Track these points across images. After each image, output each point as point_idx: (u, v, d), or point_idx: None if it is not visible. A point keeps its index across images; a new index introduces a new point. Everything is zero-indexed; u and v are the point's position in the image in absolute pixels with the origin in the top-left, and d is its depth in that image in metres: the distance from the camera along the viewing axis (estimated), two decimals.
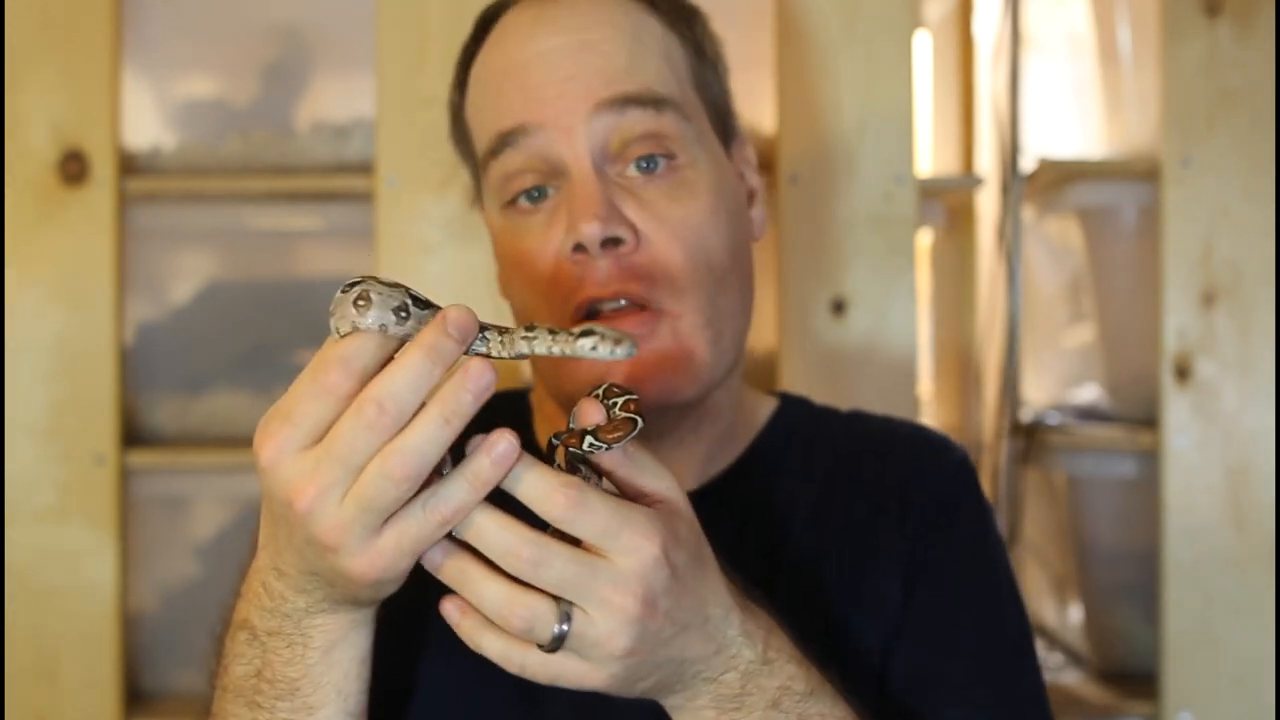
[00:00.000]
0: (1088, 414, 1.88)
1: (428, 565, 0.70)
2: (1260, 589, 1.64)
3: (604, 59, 0.93)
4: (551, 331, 0.70)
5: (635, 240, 0.90)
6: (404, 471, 0.66)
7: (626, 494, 0.72)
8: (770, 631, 0.77)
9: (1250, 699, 1.63)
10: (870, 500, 0.97)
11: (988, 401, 2.00)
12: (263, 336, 1.79)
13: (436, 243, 1.63)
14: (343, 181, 1.70)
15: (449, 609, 0.71)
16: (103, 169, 1.65)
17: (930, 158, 2.22)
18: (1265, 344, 1.65)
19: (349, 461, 0.67)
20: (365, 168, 1.68)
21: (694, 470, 0.99)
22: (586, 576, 0.68)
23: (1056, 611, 1.99)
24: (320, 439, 0.68)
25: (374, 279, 0.69)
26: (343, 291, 0.69)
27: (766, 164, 1.67)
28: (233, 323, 1.79)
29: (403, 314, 0.68)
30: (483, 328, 0.70)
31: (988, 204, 2.03)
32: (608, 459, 0.72)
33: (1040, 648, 1.99)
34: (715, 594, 0.74)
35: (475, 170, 1.01)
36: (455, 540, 0.69)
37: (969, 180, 1.99)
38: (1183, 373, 1.66)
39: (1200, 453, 1.65)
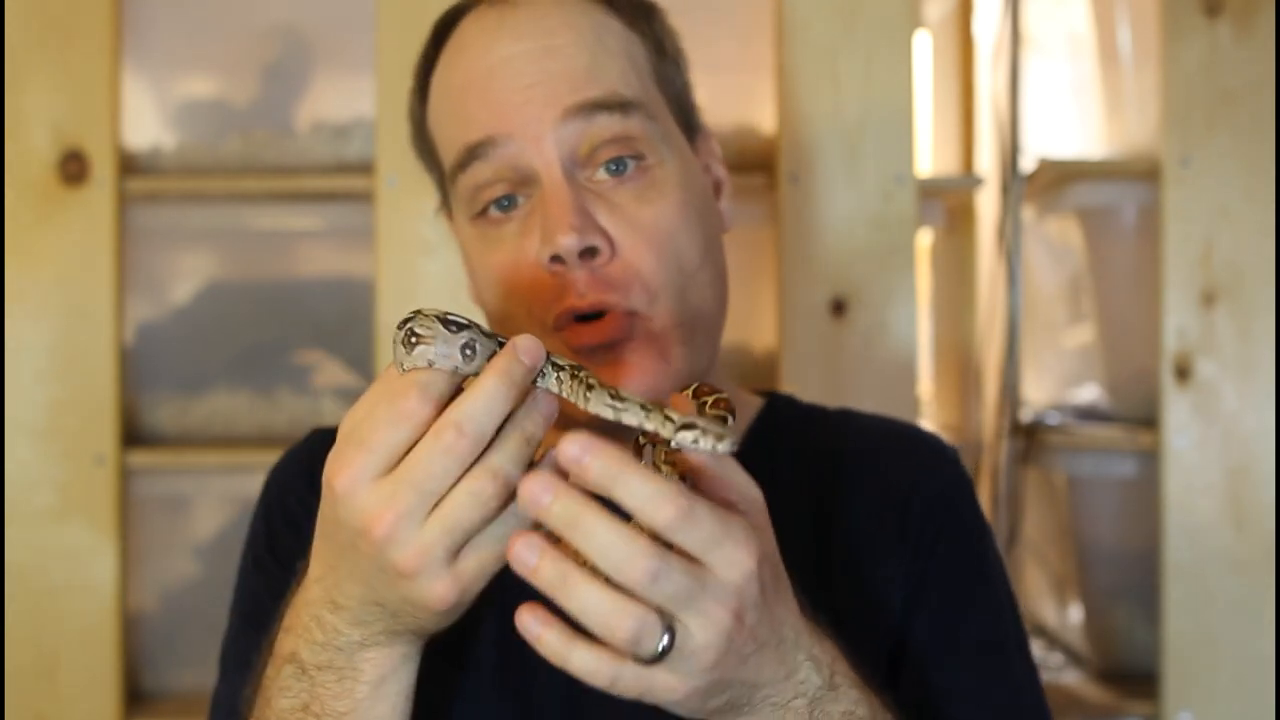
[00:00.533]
0: (1088, 414, 1.88)
1: (519, 567, 0.65)
2: (1260, 589, 1.64)
3: (567, 64, 0.92)
4: (644, 407, 0.68)
5: (610, 249, 0.90)
6: (493, 490, 0.67)
7: (711, 499, 0.69)
8: (836, 657, 0.76)
9: (1250, 699, 1.63)
10: (866, 505, 0.97)
11: (988, 401, 2.00)
12: (263, 336, 1.79)
13: (436, 243, 1.63)
14: (343, 181, 1.70)
15: (528, 620, 0.66)
16: (103, 169, 1.65)
17: (930, 158, 2.22)
18: (1265, 344, 1.65)
19: (427, 487, 0.67)
20: (365, 168, 1.68)
21: None
22: (694, 588, 0.65)
23: (1056, 611, 1.99)
24: (394, 466, 0.68)
25: (432, 314, 0.69)
26: (401, 327, 0.69)
27: (766, 164, 1.67)
28: (233, 323, 1.79)
29: (468, 351, 0.69)
30: (548, 360, 0.71)
31: (988, 204, 2.03)
32: (701, 460, 0.69)
33: (1040, 648, 1.99)
34: (790, 614, 0.73)
35: (441, 180, 1.01)
36: (549, 538, 0.66)
37: (969, 180, 1.99)
38: (1183, 373, 1.65)
39: (1200, 453, 1.65)
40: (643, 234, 0.91)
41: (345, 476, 0.68)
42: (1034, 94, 1.98)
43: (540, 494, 0.64)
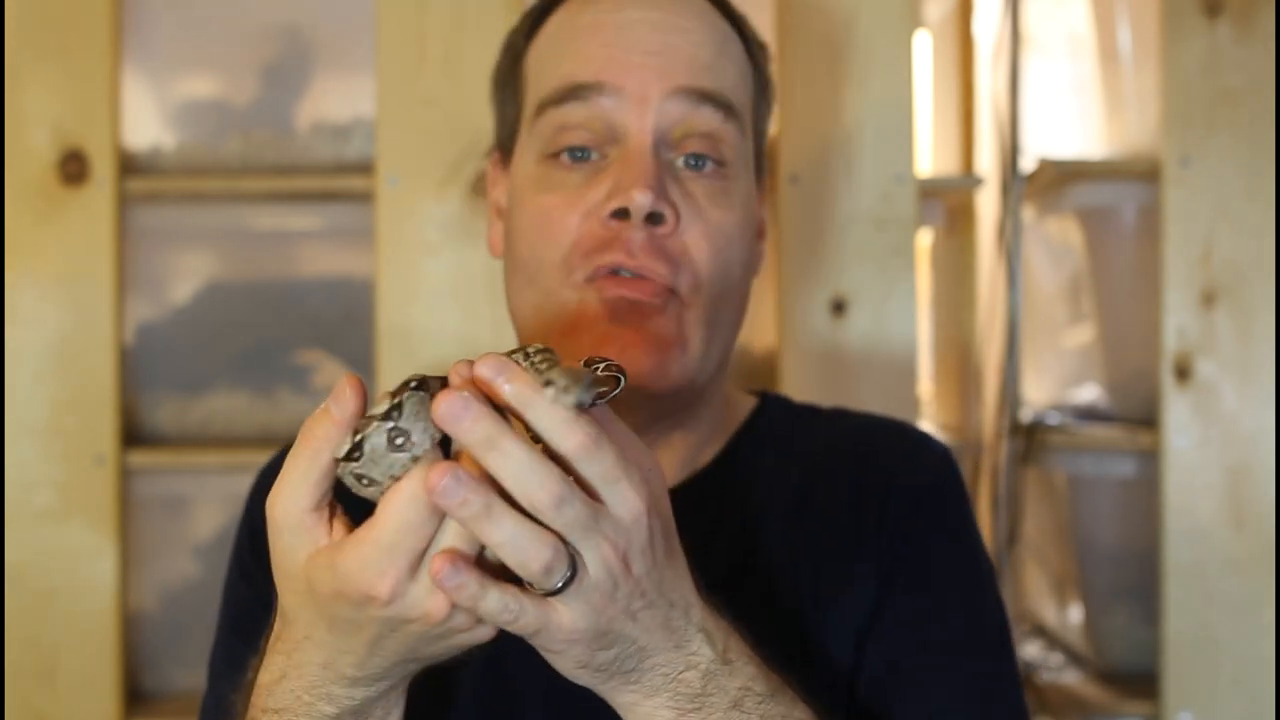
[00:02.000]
0: (1088, 414, 1.88)
1: (443, 498, 0.64)
2: (1260, 589, 1.64)
3: (694, 50, 0.93)
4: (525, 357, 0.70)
5: (675, 224, 0.91)
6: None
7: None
8: (729, 634, 0.76)
9: (1250, 699, 1.63)
10: (849, 499, 0.97)
11: (988, 401, 2.00)
12: (263, 336, 1.79)
13: (436, 243, 1.63)
14: (343, 181, 1.70)
15: (442, 563, 0.65)
16: (103, 169, 1.65)
17: (930, 158, 2.22)
18: (1265, 344, 1.65)
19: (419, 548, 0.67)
20: (365, 168, 1.68)
21: (673, 469, 0.99)
22: (593, 521, 0.66)
23: (1056, 611, 1.99)
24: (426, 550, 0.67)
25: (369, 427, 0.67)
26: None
27: (767, 164, 1.67)
28: (233, 323, 1.79)
29: (401, 439, 0.66)
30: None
31: (988, 204, 2.03)
32: (597, 415, 0.69)
33: (1040, 648, 1.99)
34: (680, 581, 0.73)
35: (514, 118, 1.00)
36: (472, 476, 0.65)
37: (969, 180, 1.99)
38: (1183, 373, 1.66)
39: (1200, 453, 1.65)
40: (706, 227, 0.92)
41: (390, 584, 0.66)
42: (1034, 94, 1.98)
43: (460, 412, 0.64)
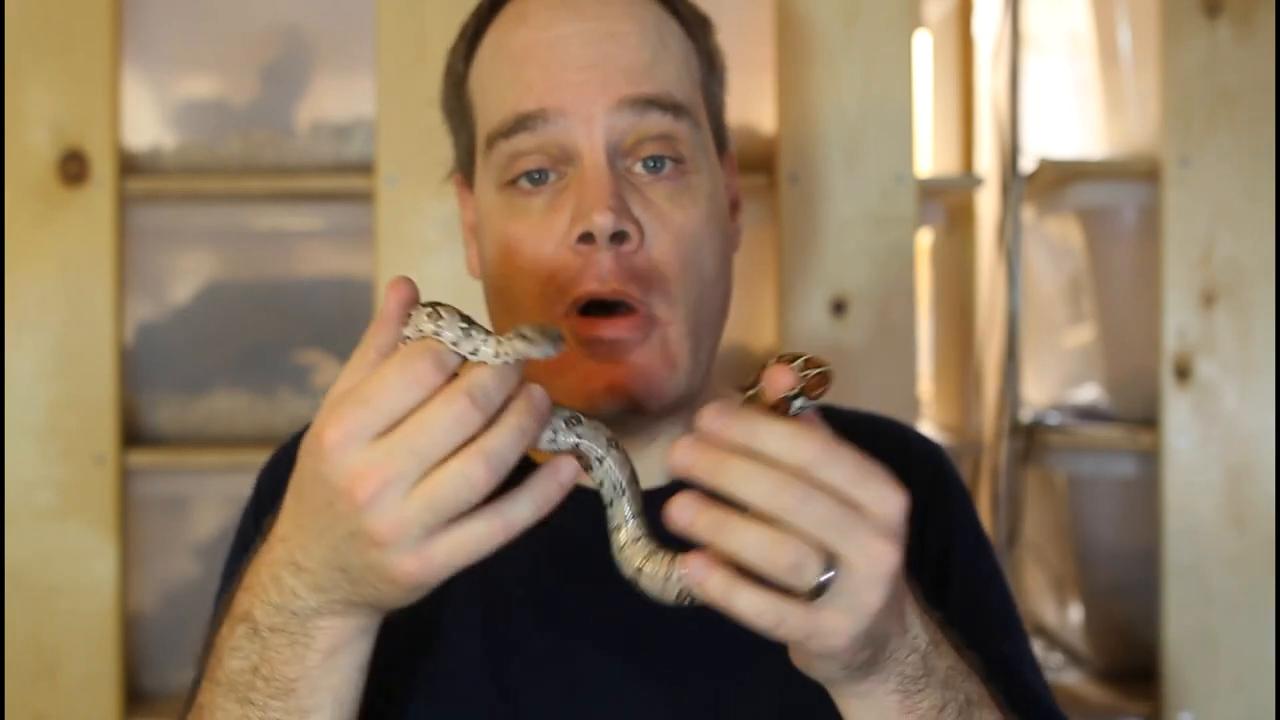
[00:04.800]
0: (1088, 414, 1.88)
1: (678, 522, 0.66)
2: (1260, 589, 1.64)
3: (630, 54, 0.92)
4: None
5: (639, 239, 0.90)
6: (485, 476, 0.66)
7: None
8: (927, 613, 0.77)
9: (1250, 699, 1.63)
10: None
11: (988, 401, 2.00)
12: (263, 336, 1.79)
13: (436, 243, 1.63)
14: (343, 181, 1.70)
15: (696, 564, 0.66)
16: (103, 169, 1.65)
17: (930, 158, 2.22)
18: (1265, 344, 1.65)
19: (427, 454, 0.66)
20: (365, 168, 1.68)
21: (662, 467, 0.99)
22: (849, 520, 0.66)
23: (1056, 611, 1.99)
24: (391, 429, 0.67)
25: (454, 309, 0.70)
26: (424, 304, 0.70)
27: (766, 164, 1.67)
28: (233, 323, 1.79)
29: (481, 349, 0.69)
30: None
31: (988, 204, 2.03)
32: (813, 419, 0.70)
33: (1040, 648, 1.99)
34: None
35: (468, 142, 1.00)
36: (699, 495, 0.67)
37: (969, 180, 1.99)
38: (1183, 373, 1.66)
39: (1200, 453, 1.65)
40: (671, 233, 0.91)
41: (338, 431, 0.66)
42: (1034, 94, 1.98)
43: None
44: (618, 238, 0.89)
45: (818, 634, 0.67)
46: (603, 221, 0.88)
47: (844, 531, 0.66)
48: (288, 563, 0.73)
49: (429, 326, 0.68)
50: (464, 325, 0.68)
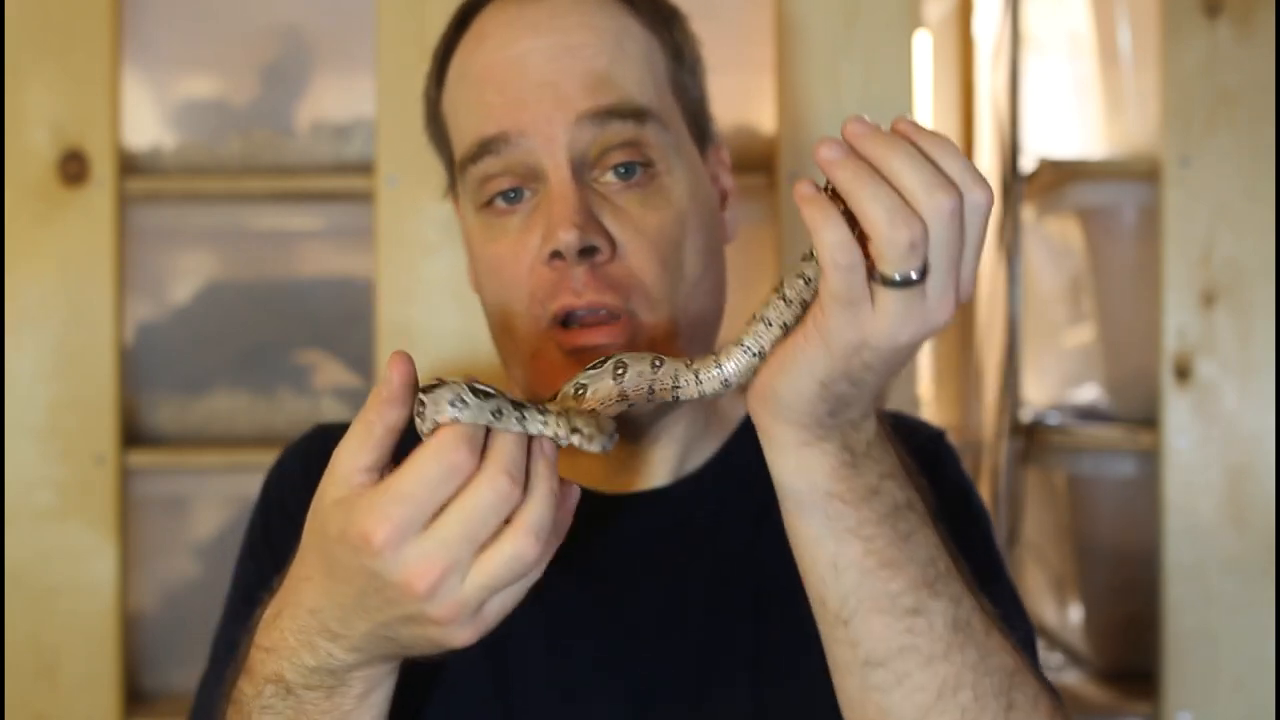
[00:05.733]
0: (1088, 414, 1.88)
1: (824, 155, 0.66)
2: (1260, 589, 1.64)
3: (585, 65, 0.92)
4: (543, 412, 0.71)
5: (611, 250, 0.91)
6: (537, 550, 0.68)
7: None
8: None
9: (1250, 699, 1.63)
10: None
11: (988, 401, 2.00)
12: (263, 336, 1.79)
13: (436, 243, 1.63)
14: (343, 181, 1.70)
15: (805, 186, 0.67)
16: (103, 169, 1.65)
17: None
18: (1265, 344, 1.65)
19: (478, 538, 0.68)
20: (365, 168, 1.68)
21: (669, 467, 0.99)
22: (961, 239, 0.67)
23: (1056, 611, 1.99)
24: (433, 518, 0.68)
25: (460, 382, 0.70)
26: (428, 390, 0.70)
27: (766, 164, 1.67)
28: (233, 323, 1.79)
29: (497, 415, 0.70)
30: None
31: None
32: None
33: (1040, 648, 1.99)
34: None
35: (450, 164, 1.01)
36: (841, 148, 0.66)
37: None
38: (1183, 373, 1.66)
39: (1200, 453, 1.65)
40: (646, 239, 0.92)
41: (387, 530, 0.67)
42: (1034, 94, 1.98)
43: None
44: (587, 252, 0.90)
45: (864, 319, 0.67)
46: (568, 239, 0.88)
47: (956, 247, 0.66)
48: (322, 630, 0.74)
49: (467, 415, 0.69)
50: (495, 411, 0.69)
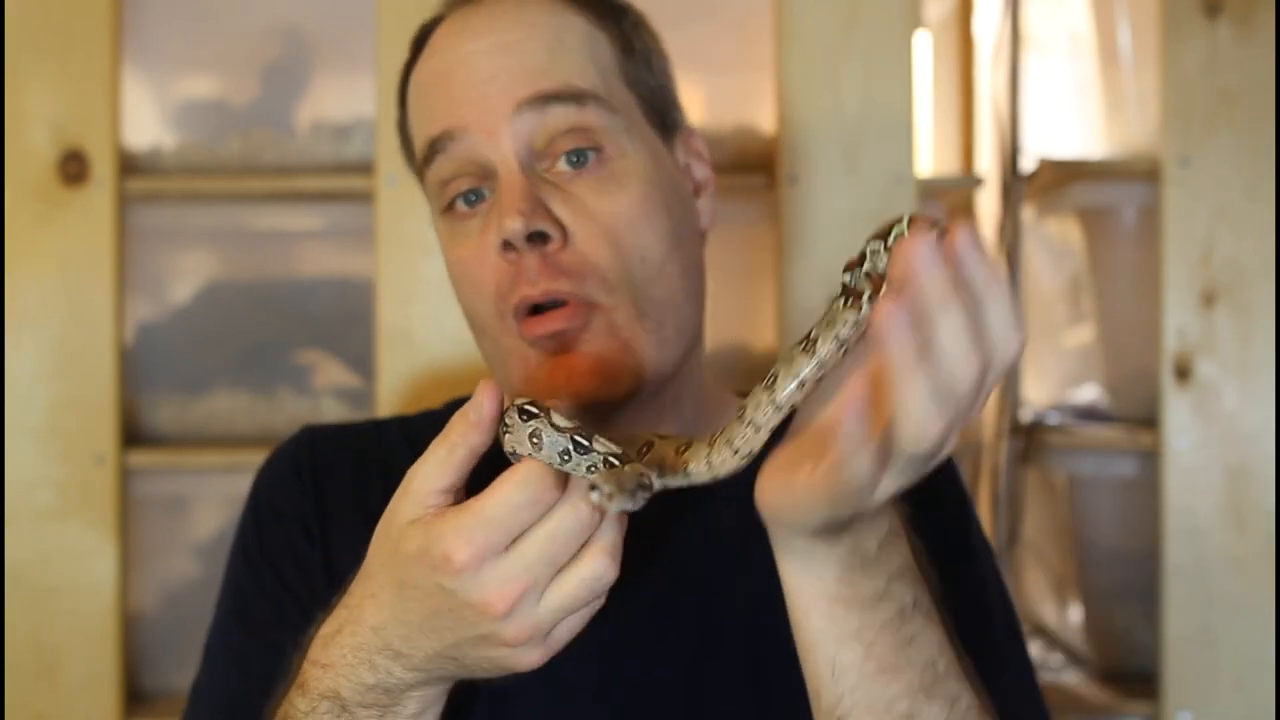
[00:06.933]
0: (1088, 414, 1.88)
1: (884, 320, 0.63)
2: (1260, 589, 1.64)
3: (524, 59, 0.93)
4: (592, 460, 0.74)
5: (562, 237, 0.91)
6: (613, 570, 0.70)
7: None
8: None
9: (1250, 699, 1.63)
10: None
11: (988, 402, 2.00)
12: (263, 336, 1.79)
13: (436, 243, 1.62)
14: (343, 181, 1.70)
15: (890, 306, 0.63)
16: (103, 169, 1.65)
17: (930, 158, 2.22)
18: (1265, 344, 1.65)
19: (558, 561, 0.70)
20: (365, 168, 1.68)
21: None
22: (987, 360, 0.65)
23: (1056, 611, 1.99)
24: (509, 543, 0.70)
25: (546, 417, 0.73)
26: (526, 418, 0.73)
27: (766, 164, 1.67)
28: (233, 323, 1.79)
29: (565, 456, 0.73)
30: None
31: (988, 204, 2.03)
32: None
33: (1040, 648, 1.99)
34: None
35: (422, 182, 1.02)
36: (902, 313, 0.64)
37: (969, 180, 1.99)
38: (1183, 373, 1.65)
39: (1200, 453, 1.65)
40: (599, 225, 0.92)
41: (470, 552, 0.69)
42: (1034, 94, 1.98)
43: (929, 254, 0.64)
44: (537, 239, 0.90)
45: (862, 494, 0.67)
46: (513, 226, 0.89)
47: (974, 407, 0.66)
48: (383, 649, 0.75)
49: (543, 444, 0.72)
50: (564, 451, 0.72)
